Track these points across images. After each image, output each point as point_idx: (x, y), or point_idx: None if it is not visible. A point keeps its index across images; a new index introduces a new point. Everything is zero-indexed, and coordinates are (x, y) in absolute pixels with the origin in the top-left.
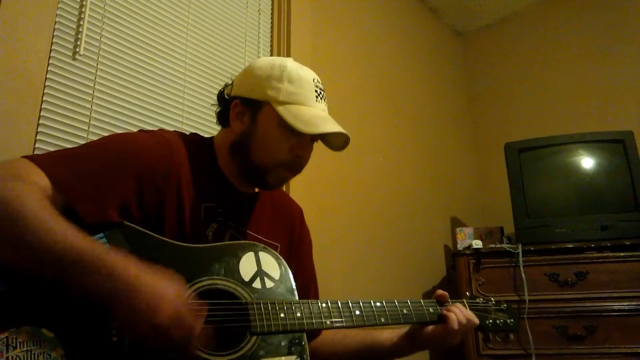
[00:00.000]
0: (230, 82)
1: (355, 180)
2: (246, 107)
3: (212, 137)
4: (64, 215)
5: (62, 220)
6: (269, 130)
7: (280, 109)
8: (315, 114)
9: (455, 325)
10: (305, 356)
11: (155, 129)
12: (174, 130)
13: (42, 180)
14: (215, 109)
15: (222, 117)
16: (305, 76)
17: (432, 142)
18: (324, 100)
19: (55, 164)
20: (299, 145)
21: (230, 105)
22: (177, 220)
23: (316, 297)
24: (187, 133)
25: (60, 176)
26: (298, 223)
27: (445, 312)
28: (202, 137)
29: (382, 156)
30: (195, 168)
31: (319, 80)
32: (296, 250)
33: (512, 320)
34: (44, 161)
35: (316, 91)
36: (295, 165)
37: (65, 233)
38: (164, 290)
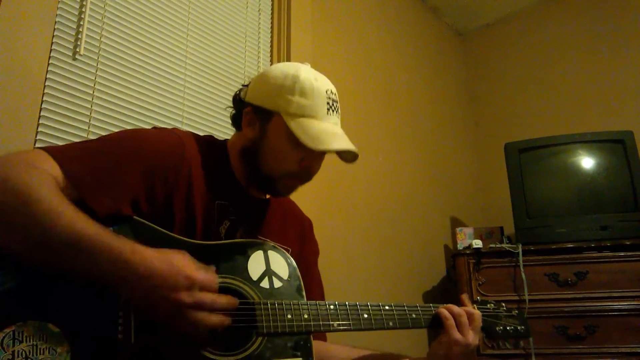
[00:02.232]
0: (247, 84)
1: (355, 180)
2: (257, 116)
3: (226, 140)
4: (79, 206)
5: (73, 207)
6: (278, 141)
7: (290, 122)
8: (324, 129)
9: (445, 311)
10: (311, 358)
11: (149, 129)
12: (188, 131)
13: (55, 171)
14: (230, 111)
15: (236, 121)
16: (318, 88)
17: (432, 142)
18: (336, 112)
19: (69, 156)
20: (308, 157)
21: (243, 110)
22: (187, 216)
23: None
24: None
25: (73, 169)
26: (308, 233)
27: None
28: (216, 139)
29: (382, 156)
30: (207, 167)
31: (333, 91)
32: (304, 257)
33: (522, 326)
34: (57, 153)
35: (328, 103)
36: (304, 176)
37: (75, 220)
38: (173, 266)
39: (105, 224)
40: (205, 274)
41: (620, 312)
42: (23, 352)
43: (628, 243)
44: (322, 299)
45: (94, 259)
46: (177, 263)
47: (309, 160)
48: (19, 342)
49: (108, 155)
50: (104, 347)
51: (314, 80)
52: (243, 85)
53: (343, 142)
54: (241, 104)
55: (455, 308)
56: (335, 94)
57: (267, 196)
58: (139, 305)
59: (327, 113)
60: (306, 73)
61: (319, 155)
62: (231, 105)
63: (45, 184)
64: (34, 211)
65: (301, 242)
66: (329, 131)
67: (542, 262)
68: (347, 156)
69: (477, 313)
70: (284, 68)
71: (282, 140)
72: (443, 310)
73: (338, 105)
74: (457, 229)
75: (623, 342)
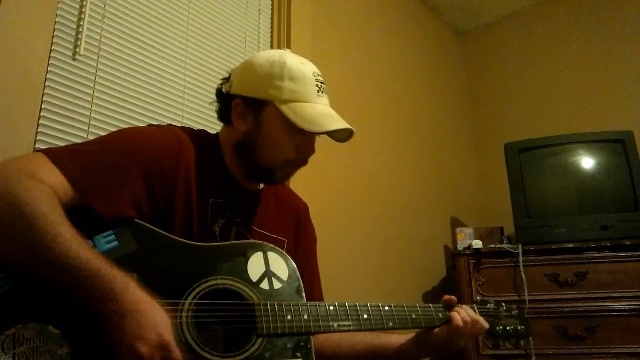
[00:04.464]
0: (227, 75)
1: (355, 180)
2: (248, 107)
3: (217, 133)
4: (79, 210)
5: (69, 227)
6: (274, 131)
7: (284, 108)
8: (319, 111)
9: (460, 323)
10: (311, 359)
11: (146, 127)
12: (182, 126)
13: (56, 178)
14: (215, 106)
15: (223, 115)
16: (306, 71)
17: (432, 142)
18: (325, 92)
19: (69, 160)
20: (304, 143)
21: (230, 103)
22: (186, 215)
23: (320, 293)
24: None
25: (74, 173)
26: (303, 219)
27: (450, 312)
28: (208, 133)
29: (382, 156)
30: (202, 163)
31: (319, 72)
32: (302, 246)
33: (523, 326)
34: (57, 157)
35: (317, 85)
36: (301, 161)
37: (71, 242)
38: (155, 320)
39: (107, 226)
40: (179, 352)
41: (620, 312)
42: (24, 355)
43: (628, 243)
44: (320, 288)
45: (84, 285)
46: (161, 321)
47: (305, 146)
48: (20, 344)
49: (108, 157)
50: (104, 348)
51: (300, 64)
52: (223, 79)
53: (339, 122)
54: (228, 97)
55: (469, 319)
56: (321, 75)
57: (261, 186)
58: (110, 336)
59: (318, 95)
60: (291, 58)
61: (314, 139)
62: (215, 100)
63: (45, 199)
64: (31, 229)
65: (297, 228)
66: (323, 113)
67: (542, 262)
68: (340, 136)
69: (484, 327)
70: (268, 56)
71: (278, 129)
72: (457, 317)
73: (325, 86)
74: (457, 229)
75: (623, 342)
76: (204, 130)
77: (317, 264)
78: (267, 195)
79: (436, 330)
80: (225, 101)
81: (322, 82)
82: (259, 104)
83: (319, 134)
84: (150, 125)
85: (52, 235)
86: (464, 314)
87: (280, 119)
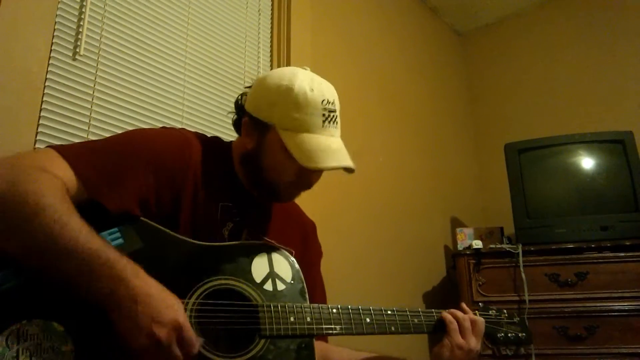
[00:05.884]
0: (250, 86)
1: (356, 181)
2: (254, 126)
3: (231, 142)
4: (87, 208)
5: (78, 217)
6: (275, 154)
7: (285, 137)
8: (318, 145)
9: (453, 324)
10: None
11: (157, 129)
12: (195, 131)
13: (66, 172)
14: (233, 116)
15: (237, 127)
16: (313, 99)
17: (433, 142)
18: (334, 122)
19: (80, 156)
20: (304, 170)
21: (241, 118)
22: (192, 217)
23: (322, 297)
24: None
25: (84, 169)
26: (311, 236)
27: (442, 314)
28: (222, 140)
29: (382, 157)
30: (212, 169)
31: (331, 100)
32: (307, 257)
33: (524, 334)
34: (69, 153)
35: (324, 115)
36: (304, 185)
37: (80, 231)
38: (167, 303)
39: (112, 223)
40: (193, 332)
41: (620, 313)
42: (27, 351)
43: (628, 243)
44: (324, 302)
45: (94, 273)
46: (173, 305)
47: (306, 175)
48: (24, 340)
49: (118, 156)
50: (107, 345)
51: (309, 90)
52: (246, 88)
53: (336, 160)
54: (241, 112)
55: (459, 313)
56: (332, 103)
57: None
58: (121, 325)
59: (323, 125)
60: (301, 83)
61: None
62: (233, 110)
63: (54, 190)
64: (39, 218)
65: (304, 244)
66: (321, 147)
67: (542, 262)
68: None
69: (480, 320)
70: (278, 79)
71: (278, 154)
72: (447, 314)
73: (336, 114)
74: (457, 230)
75: (623, 342)
76: (217, 137)
77: (320, 275)
78: (276, 207)
79: (439, 344)
80: (239, 114)
81: (330, 111)
82: (263, 126)
83: (313, 169)
84: (164, 127)
85: (61, 224)
86: (458, 313)
87: (280, 144)
